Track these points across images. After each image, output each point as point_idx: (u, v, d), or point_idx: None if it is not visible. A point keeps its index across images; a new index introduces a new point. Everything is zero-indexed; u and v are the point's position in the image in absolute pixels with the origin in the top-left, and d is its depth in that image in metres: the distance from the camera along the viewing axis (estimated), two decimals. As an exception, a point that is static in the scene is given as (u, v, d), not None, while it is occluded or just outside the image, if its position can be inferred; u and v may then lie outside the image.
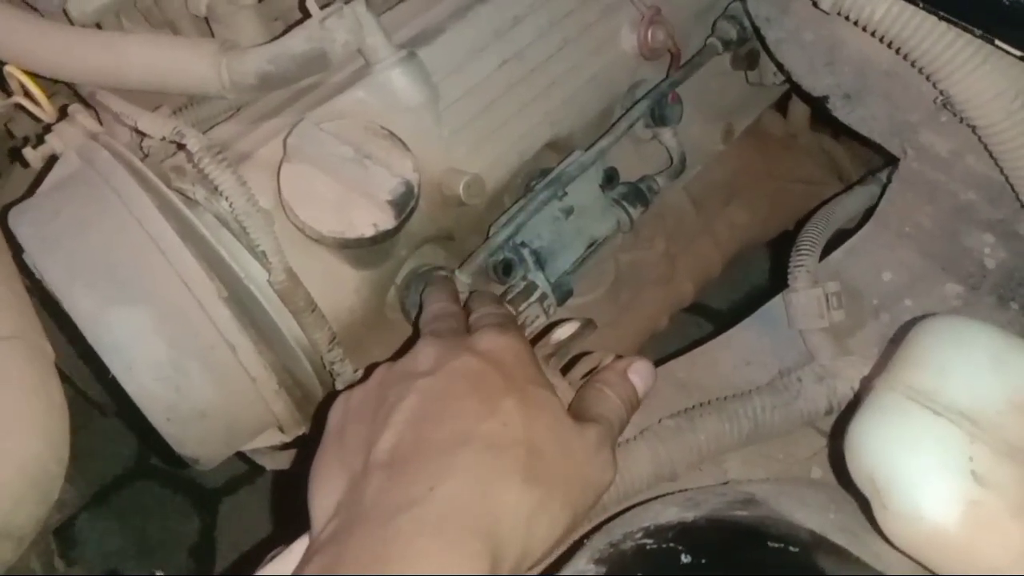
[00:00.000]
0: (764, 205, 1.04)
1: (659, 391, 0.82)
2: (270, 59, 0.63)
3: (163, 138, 0.60)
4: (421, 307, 0.65)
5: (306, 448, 0.60)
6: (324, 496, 0.48)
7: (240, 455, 0.77)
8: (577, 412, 0.54)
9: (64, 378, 1.06)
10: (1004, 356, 0.50)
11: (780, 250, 0.82)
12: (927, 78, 0.60)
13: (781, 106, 1.14)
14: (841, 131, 1.18)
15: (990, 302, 0.73)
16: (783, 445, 0.77)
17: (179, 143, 0.60)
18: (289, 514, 0.53)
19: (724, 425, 0.73)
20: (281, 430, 0.71)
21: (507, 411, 0.48)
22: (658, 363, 0.84)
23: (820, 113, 1.14)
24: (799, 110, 1.12)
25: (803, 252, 0.79)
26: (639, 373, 0.59)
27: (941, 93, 0.61)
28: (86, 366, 0.84)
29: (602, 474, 0.51)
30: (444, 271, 0.71)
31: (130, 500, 1.54)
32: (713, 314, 1.49)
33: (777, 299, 0.82)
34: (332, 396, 0.58)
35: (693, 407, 0.76)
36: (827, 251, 0.82)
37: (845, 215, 0.84)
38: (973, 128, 0.61)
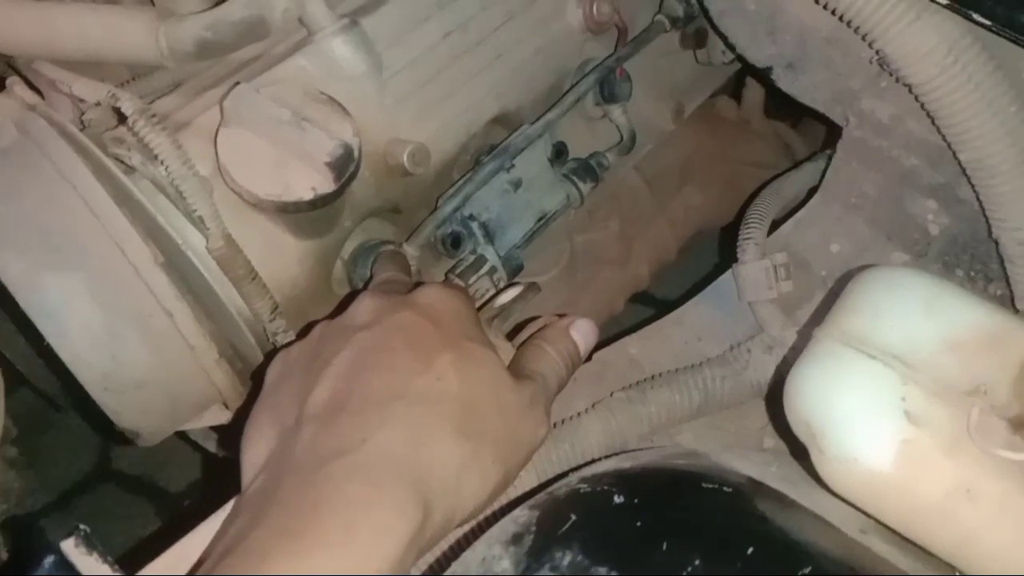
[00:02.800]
0: (718, 187, 1.04)
1: (612, 367, 0.83)
2: (207, 26, 0.63)
3: (98, 103, 0.59)
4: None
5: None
6: (254, 451, 0.47)
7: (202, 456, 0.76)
8: (516, 368, 0.54)
9: (22, 381, 1.04)
10: (937, 299, 0.50)
11: (734, 241, 0.83)
12: (863, 38, 0.61)
13: (735, 93, 1.15)
14: (797, 117, 1.21)
15: (936, 269, 0.74)
16: (734, 417, 0.77)
17: (116, 109, 0.59)
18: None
19: (675, 396, 0.73)
20: (227, 406, 0.70)
21: (442, 366, 0.48)
22: (611, 340, 0.85)
23: (774, 99, 1.16)
24: (753, 96, 1.13)
25: (751, 225, 0.79)
26: (580, 331, 0.58)
27: (877, 53, 0.61)
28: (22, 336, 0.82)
29: (534, 431, 0.50)
30: (393, 245, 0.71)
31: (92, 505, 1.51)
32: (671, 307, 1.49)
33: (728, 275, 0.82)
34: (272, 356, 0.57)
35: (645, 380, 0.76)
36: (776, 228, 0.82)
37: (794, 190, 0.85)
38: (910, 87, 0.61)
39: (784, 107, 1.14)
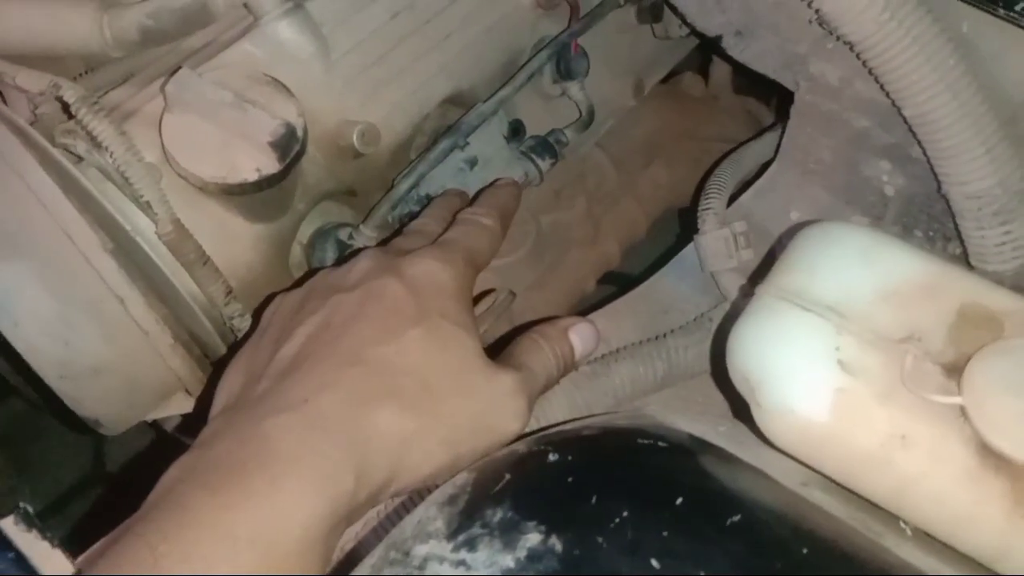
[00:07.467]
0: (686, 164, 1.04)
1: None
2: (150, 13, 0.63)
3: (42, 92, 0.60)
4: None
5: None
6: (221, 394, 0.49)
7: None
8: (505, 357, 0.53)
9: (13, 391, 1.05)
10: (873, 251, 0.50)
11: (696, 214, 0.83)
12: (802, -1, 0.61)
13: (702, 69, 1.14)
14: (769, 93, 1.21)
15: (895, 232, 0.74)
16: (701, 387, 0.77)
17: (61, 99, 0.60)
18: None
19: (639, 368, 0.73)
20: (190, 393, 0.70)
21: (407, 341, 0.48)
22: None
23: (743, 74, 1.16)
24: (720, 72, 1.13)
25: (711, 196, 0.79)
26: (580, 334, 0.58)
27: (816, 12, 0.61)
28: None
29: (508, 422, 0.50)
30: (350, 228, 0.71)
31: (86, 508, 1.52)
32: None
33: (691, 248, 0.82)
34: (230, 341, 0.59)
35: (609, 353, 0.76)
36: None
37: (753, 160, 0.85)
38: (851, 46, 0.61)
39: (754, 82, 1.14)
